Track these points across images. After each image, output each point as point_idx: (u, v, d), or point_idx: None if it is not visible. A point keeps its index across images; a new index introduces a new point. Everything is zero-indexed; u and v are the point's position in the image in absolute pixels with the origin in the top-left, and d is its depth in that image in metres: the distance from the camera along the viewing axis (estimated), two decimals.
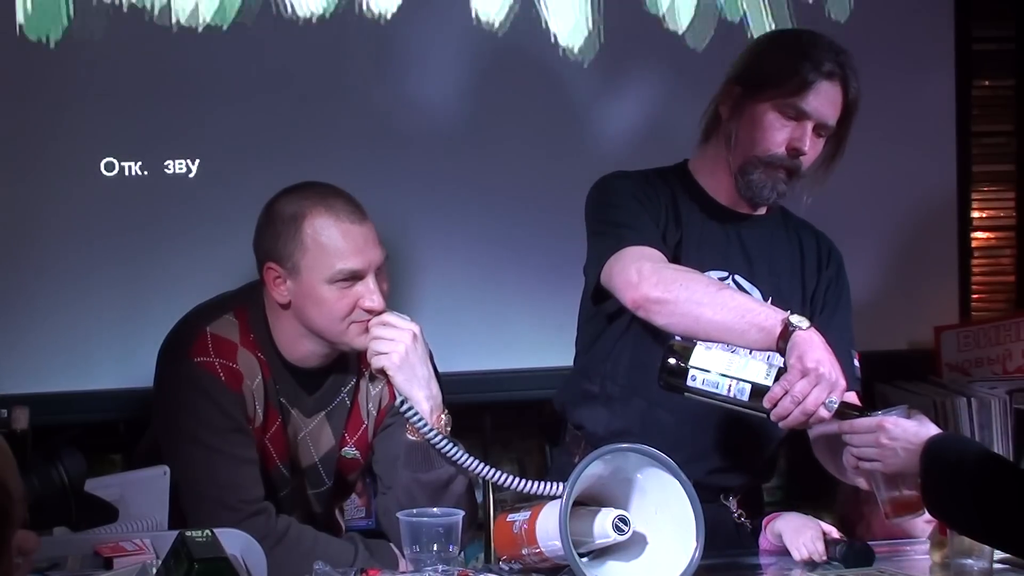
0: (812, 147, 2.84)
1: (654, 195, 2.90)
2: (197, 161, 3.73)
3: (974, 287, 4.32)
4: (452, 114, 3.88)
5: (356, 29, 3.80)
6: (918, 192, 4.14)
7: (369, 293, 2.73)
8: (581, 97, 3.93)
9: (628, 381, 2.90)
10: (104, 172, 3.69)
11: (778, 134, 2.82)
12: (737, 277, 2.92)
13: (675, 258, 2.85)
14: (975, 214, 4.32)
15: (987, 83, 4.32)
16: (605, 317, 2.94)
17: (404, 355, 2.69)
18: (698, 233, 2.91)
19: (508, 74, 3.89)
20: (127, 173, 3.70)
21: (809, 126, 2.82)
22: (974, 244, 4.33)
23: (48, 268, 3.67)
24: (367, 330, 2.74)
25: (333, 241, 2.72)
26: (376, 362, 2.71)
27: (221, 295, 2.91)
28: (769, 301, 2.86)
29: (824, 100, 2.81)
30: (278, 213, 2.76)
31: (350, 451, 2.88)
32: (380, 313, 2.73)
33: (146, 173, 3.71)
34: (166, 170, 3.72)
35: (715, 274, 2.88)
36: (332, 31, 3.78)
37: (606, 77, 3.93)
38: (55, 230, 3.67)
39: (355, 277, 2.73)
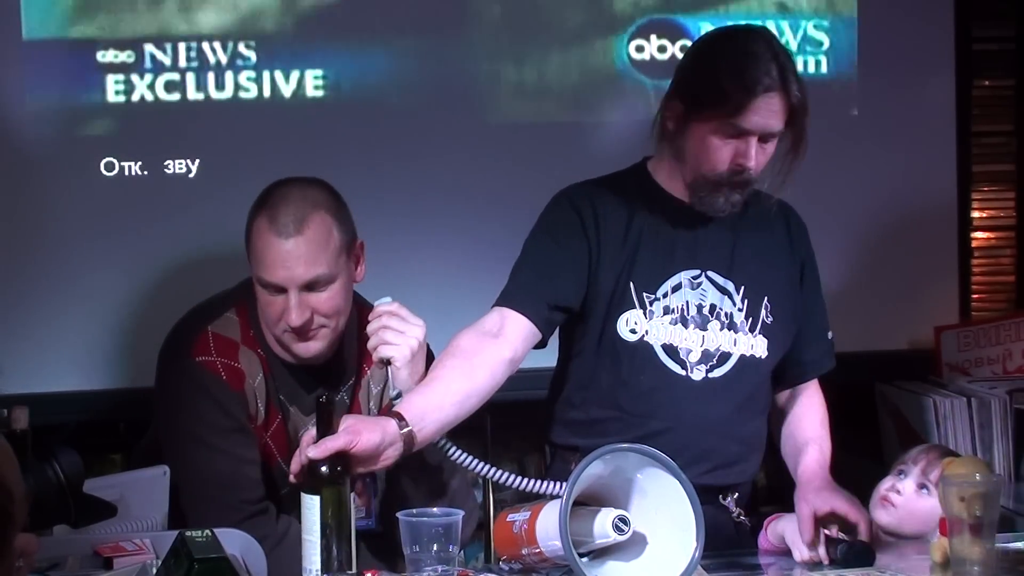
0: (758, 157, 2.79)
1: (593, 229, 2.85)
2: (197, 161, 3.73)
3: (974, 287, 4.32)
4: (452, 112, 3.88)
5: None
6: (918, 192, 4.14)
7: (289, 309, 2.72)
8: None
9: (613, 400, 2.88)
10: (104, 172, 3.70)
11: (721, 153, 2.78)
12: (710, 273, 2.89)
13: (640, 268, 2.85)
14: (975, 214, 4.32)
15: (987, 83, 4.32)
16: (568, 348, 2.94)
17: (415, 349, 2.66)
18: (666, 237, 2.88)
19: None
20: (127, 173, 3.70)
21: (752, 140, 2.77)
22: (974, 244, 4.32)
23: (48, 268, 3.67)
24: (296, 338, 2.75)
25: (259, 250, 2.75)
26: (383, 351, 2.64)
27: (218, 294, 2.91)
28: (743, 291, 2.88)
29: (764, 113, 2.75)
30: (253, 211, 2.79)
31: None
32: (297, 329, 2.73)
33: (146, 173, 3.71)
34: (166, 170, 3.72)
35: (687, 273, 2.87)
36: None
37: None
38: (55, 230, 3.68)
39: (278, 290, 2.73)
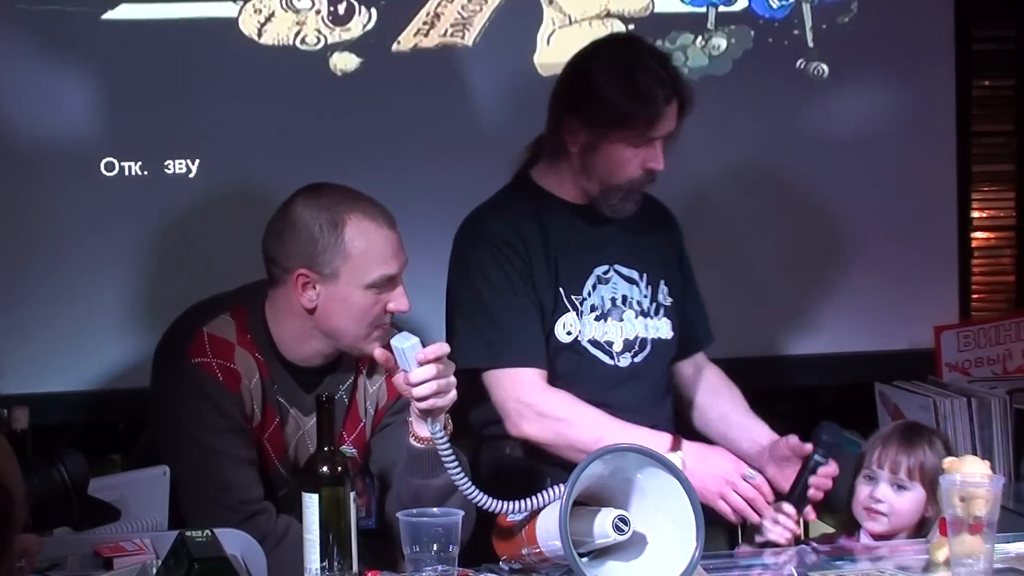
0: (664, 157, 2.96)
1: (522, 247, 3.00)
2: (197, 161, 3.73)
3: (974, 287, 4.32)
4: (453, 110, 3.88)
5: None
6: (918, 192, 4.14)
7: (400, 296, 2.75)
8: None
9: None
10: (104, 172, 3.69)
11: (634, 163, 2.96)
12: (617, 267, 3.07)
13: (563, 273, 3.02)
14: (975, 214, 4.32)
15: (987, 83, 4.32)
16: None
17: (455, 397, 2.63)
18: (575, 240, 3.04)
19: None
20: (127, 173, 3.70)
21: (659, 144, 2.95)
22: (974, 244, 4.33)
23: (48, 268, 3.67)
24: (381, 334, 2.74)
25: (376, 247, 2.72)
26: (432, 404, 2.58)
27: (215, 296, 2.91)
28: (646, 278, 3.09)
29: (667, 120, 2.95)
30: (311, 219, 2.72)
31: (348, 450, 2.87)
32: (406, 312, 2.76)
33: (146, 173, 3.71)
34: (166, 170, 3.72)
35: (599, 270, 3.05)
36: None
37: None
38: (55, 230, 3.67)
39: (390, 281, 2.74)
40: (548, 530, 2.42)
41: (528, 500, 2.49)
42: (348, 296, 2.72)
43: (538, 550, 2.47)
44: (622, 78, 2.93)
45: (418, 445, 2.70)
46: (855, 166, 4.09)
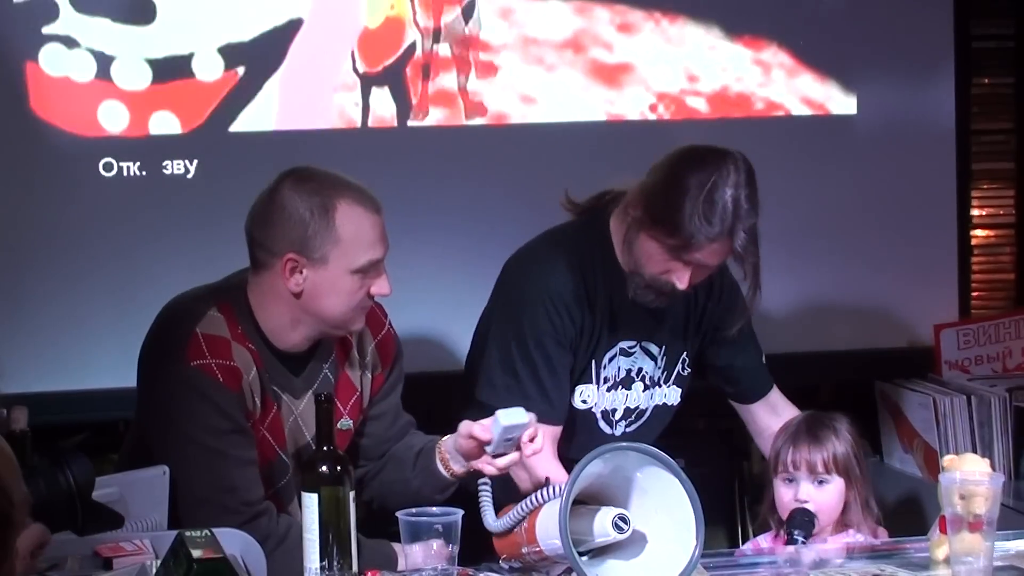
0: (693, 279, 2.90)
1: (577, 313, 2.97)
2: (195, 162, 3.73)
3: (974, 285, 4.32)
4: (450, 108, 3.88)
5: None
6: (918, 190, 4.14)
7: (383, 281, 2.77)
8: None
9: None
10: (103, 172, 3.69)
11: (657, 266, 2.89)
12: (645, 342, 3.06)
13: (599, 344, 3.00)
14: (975, 212, 4.32)
15: (987, 81, 4.32)
16: None
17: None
18: (616, 309, 3.00)
19: None
20: (126, 173, 3.70)
21: (690, 267, 2.87)
22: (974, 242, 4.32)
23: (47, 268, 3.67)
24: (363, 314, 2.81)
25: (364, 232, 2.74)
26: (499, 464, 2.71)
27: (194, 290, 2.89)
28: (665, 351, 3.07)
29: (707, 254, 2.86)
30: (301, 203, 2.73)
31: (345, 423, 2.88)
32: (387, 296, 2.79)
33: (144, 173, 3.71)
34: (164, 170, 3.72)
35: (626, 343, 3.04)
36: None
37: None
38: (54, 230, 3.67)
39: (375, 266, 2.75)
40: (548, 529, 2.42)
41: (528, 501, 2.50)
42: (335, 280, 2.73)
43: (538, 549, 2.47)
44: (683, 193, 2.82)
45: (448, 476, 2.81)
46: (854, 163, 4.08)
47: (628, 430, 3.09)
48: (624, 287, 2.96)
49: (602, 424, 3.08)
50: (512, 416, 2.62)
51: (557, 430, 2.98)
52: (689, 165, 2.86)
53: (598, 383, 3.04)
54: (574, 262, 2.99)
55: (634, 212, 2.90)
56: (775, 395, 3.22)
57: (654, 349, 3.07)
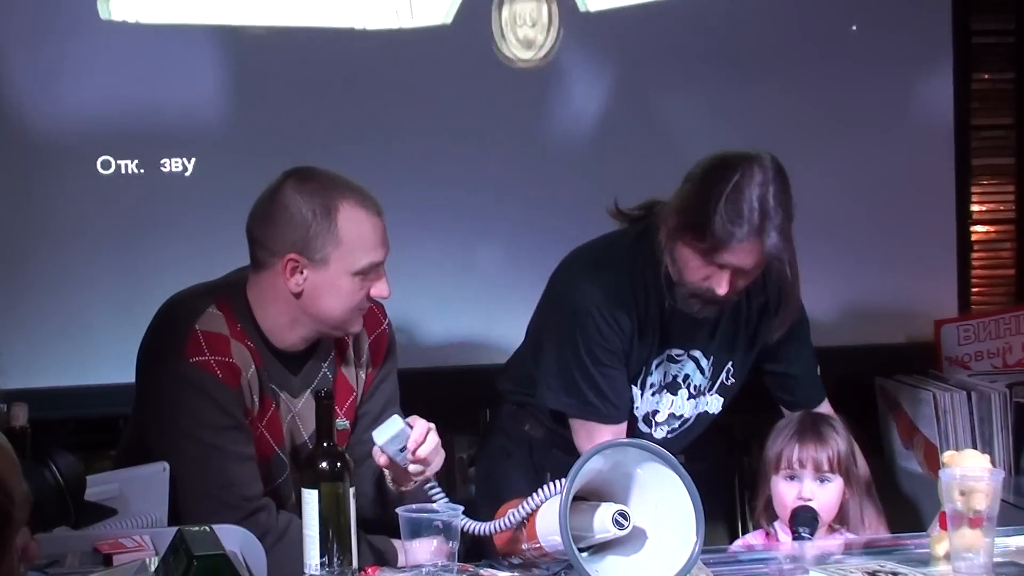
0: (733, 285, 2.90)
1: (628, 325, 3.00)
2: (193, 159, 3.73)
3: (974, 281, 4.32)
4: (451, 106, 3.88)
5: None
6: (918, 186, 4.14)
7: (383, 283, 2.77)
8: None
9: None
10: (101, 170, 3.69)
11: (696, 273, 2.90)
12: (693, 352, 3.09)
13: (648, 351, 3.03)
14: (975, 207, 4.32)
15: (986, 76, 4.32)
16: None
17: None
18: (666, 317, 3.02)
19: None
20: (123, 171, 3.70)
21: (727, 271, 2.87)
22: (974, 238, 4.32)
23: (46, 265, 3.67)
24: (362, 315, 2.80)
25: (366, 234, 2.74)
26: (426, 474, 2.68)
27: (193, 288, 2.89)
28: (712, 360, 3.09)
29: (740, 254, 2.85)
30: (303, 204, 2.72)
31: (341, 423, 2.88)
32: (386, 298, 2.80)
33: (142, 171, 3.71)
34: (162, 168, 3.72)
35: (675, 351, 3.07)
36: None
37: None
38: (53, 228, 3.67)
39: (376, 268, 2.76)
40: (548, 525, 2.42)
41: (522, 507, 2.49)
42: (336, 282, 2.73)
43: (538, 545, 2.47)
44: (710, 198, 2.83)
45: (396, 492, 2.76)
46: (854, 159, 4.08)
47: (669, 436, 3.12)
48: (673, 296, 2.98)
49: (641, 425, 3.11)
50: (383, 433, 2.63)
51: (621, 428, 3.03)
52: (716, 170, 2.88)
53: (643, 388, 3.08)
54: (626, 270, 3.02)
55: (671, 222, 2.92)
56: (826, 407, 3.21)
57: (702, 358, 3.10)
